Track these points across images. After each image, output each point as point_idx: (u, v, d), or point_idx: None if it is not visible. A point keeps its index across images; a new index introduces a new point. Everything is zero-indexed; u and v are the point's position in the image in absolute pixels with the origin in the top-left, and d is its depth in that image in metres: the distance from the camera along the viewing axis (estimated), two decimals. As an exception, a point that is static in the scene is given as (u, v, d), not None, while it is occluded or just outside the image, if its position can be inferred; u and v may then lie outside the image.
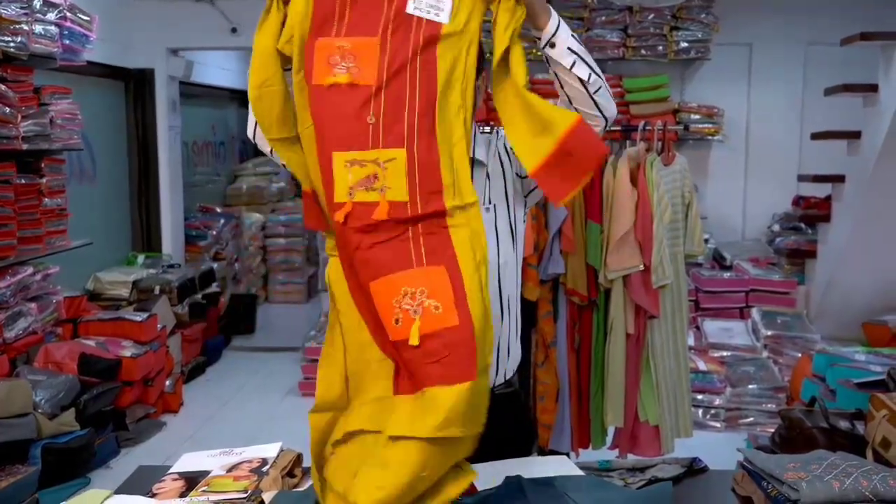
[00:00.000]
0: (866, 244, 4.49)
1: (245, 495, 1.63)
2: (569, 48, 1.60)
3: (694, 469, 1.81)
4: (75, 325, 4.60)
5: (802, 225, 5.38)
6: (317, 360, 5.42)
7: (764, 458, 1.70)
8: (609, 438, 3.37)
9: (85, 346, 4.22)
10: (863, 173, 4.31)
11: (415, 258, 1.30)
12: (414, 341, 1.26)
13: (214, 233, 7.11)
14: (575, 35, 1.64)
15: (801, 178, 5.12)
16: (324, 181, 1.43)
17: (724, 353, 4.68)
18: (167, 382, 4.94)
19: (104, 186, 5.85)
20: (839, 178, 4.61)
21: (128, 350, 4.44)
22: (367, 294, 1.34)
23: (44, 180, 4.31)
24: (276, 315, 7.82)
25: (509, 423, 1.90)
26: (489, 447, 1.81)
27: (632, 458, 1.87)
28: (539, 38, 1.60)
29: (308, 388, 5.32)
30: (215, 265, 6.55)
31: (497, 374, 1.88)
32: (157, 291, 5.38)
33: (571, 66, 1.60)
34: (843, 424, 2.94)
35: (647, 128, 3.38)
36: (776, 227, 5.63)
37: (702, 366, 4.44)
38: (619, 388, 3.24)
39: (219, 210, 7.71)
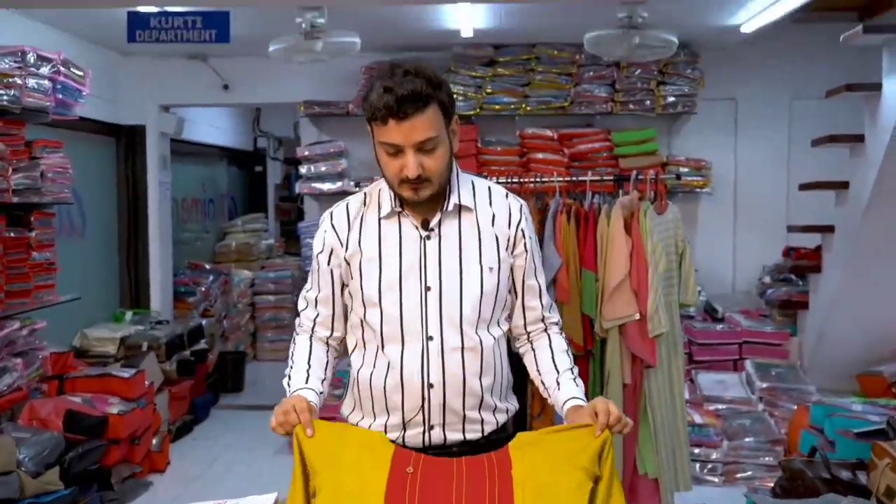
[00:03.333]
0: (858, 294, 4.48)
1: (240, 547, 1.57)
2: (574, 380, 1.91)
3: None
4: (61, 381, 4.51)
5: (793, 276, 5.39)
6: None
7: (773, 503, 1.66)
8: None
9: (71, 403, 4.14)
10: (852, 223, 4.33)
11: None
12: None
13: (203, 289, 7.06)
14: (573, 378, 1.91)
15: (791, 229, 5.14)
16: None
17: (720, 406, 4.63)
18: (154, 441, 4.84)
19: (93, 241, 5.82)
20: (829, 229, 4.63)
21: (114, 407, 4.35)
22: None
23: (33, 234, 4.28)
24: (264, 373, 7.72)
25: None
26: None
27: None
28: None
29: (298, 446, 5.21)
30: (204, 322, 6.48)
31: (484, 424, 1.90)
32: (144, 348, 5.30)
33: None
34: (845, 474, 2.90)
35: (640, 177, 3.40)
36: (767, 279, 5.64)
37: (698, 419, 4.39)
38: (617, 440, 3.18)
39: (208, 267, 7.67)
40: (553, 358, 1.96)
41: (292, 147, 8.17)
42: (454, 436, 1.87)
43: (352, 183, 5.50)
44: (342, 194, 5.57)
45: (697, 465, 4.27)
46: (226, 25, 4.09)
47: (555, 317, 2.03)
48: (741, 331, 5.14)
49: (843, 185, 4.41)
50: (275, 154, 10.09)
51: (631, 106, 5.59)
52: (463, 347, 1.85)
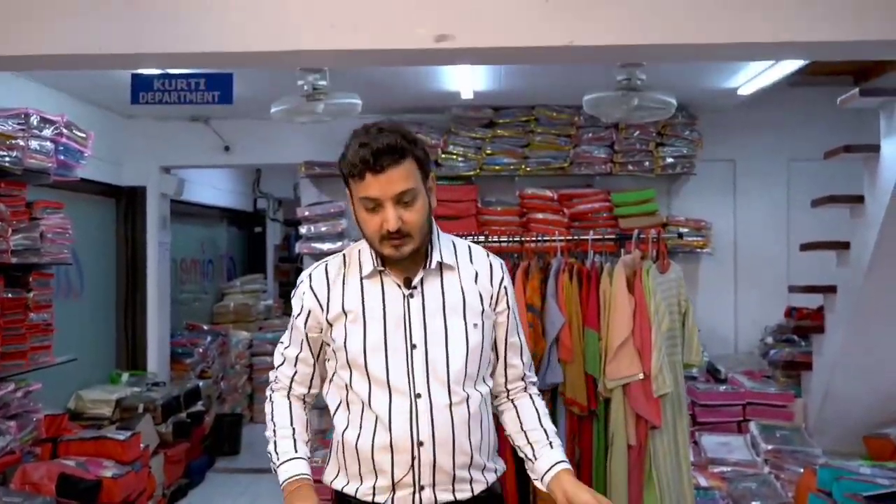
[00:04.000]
0: (861, 354, 4.44)
1: None
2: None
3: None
4: (55, 444, 4.43)
5: (795, 337, 5.35)
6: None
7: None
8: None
9: (64, 467, 4.05)
10: (854, 284, 4.31)
11: None
12: None
13: (201, 350, 7.00)
14: (560, 444, 1.98)
15: (792, 290, 5.13)
16: None
17: (725, 469, 4.54)
18: (148, 505, 4.74)
19: (91, 302, 5.79)
20: (831, 289, 4.61)
21: (109, 470, 4.26)
22: None
23: (31, 294, 4.25)
24: (261, 435, 7.49)
25: None
26: None
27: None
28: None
29: (295, 511, 5.10)
30: (201, 383, 6.41)
31: (474, 483, 1.88)
32: (140, 410, 5.23)
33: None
34: (857, 539, 2.83)
35: (642, 236, 3.40)
36: (769, 340, 5.59)
37: (703, 481, 4.31)
38: (622, 502, 3.12)
39: (206, 328, 7.63)
40: (540, 419, 1.98)
41: (292, 208, 8.20)
42: (444, 496, 1.84)
43: (352, 243, 5.49)
44: (342, 254, 5.61)
45: (704, 532, 4.17)
46: (229, 87, 4.13)
47: (533, 376, 2.06)
48: (745, 392, 5.08)
49: (844, 246, 4.40)
50: (274, 215, 10.13)
51: (630, 167, 5.63)
52: (451, 404, 1.83)
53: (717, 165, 5.93)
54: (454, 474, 1.84)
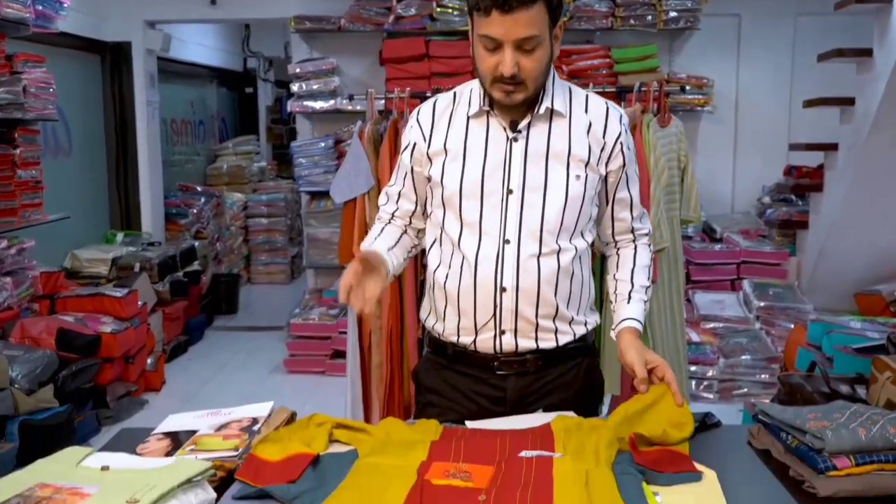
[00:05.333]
0: (859, 213, 4.43)
1: (236, 454, 1.53)
2: (644, 301, 1.91)
3: (707, 424, 1.73)
4: (52, 301, 4.46)
5: (793, 196, 5.32)
6: (303, 337, 5.29)
7: (780, 410, 1.62)
8: (605, 407, 3.29)
9: (63, 322, 4.09)
10: (856, 141, 4.24)
11: None
12: None
13: (195, 211, 6.98)
14: (644, 298, 1.90)
15: (793, 147, 5.05)
16: None
17: (717, 325, 4.62)
18: (149, 360, 4.83)
19: (80, 161, 5.71)
20: (832, 147, 4.54)
21: (107, 326, 4.31)
22: None
23: (17, 151, 4.17)
24: (258, 296, 7.71)
25: (581, 375, 1.90)
26: (564, 396, 1.86)
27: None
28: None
29: (294, 366, 5.22)
30: (196, 244, 6.41)
31: (559, 335, 1.85)
32: (136, 269, 5.25)
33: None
34: (844, 389, 2.88)
35: (643, 89, 3.30)
36: (766, 199, 5.57)
37: (694, 337, 4.38)
38: (616, 355, 3.16)
39: (199, 189, 7.57)
40: (633, 270, 1.92)
41: (283, 69, 7.98)
42: (526, 344, 1.82)
43: (345, 101, 5.36)
44: (335, 113, 5.48)
45: (693, 383, 4.28)
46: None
47: (645, 227, 1.97)
48: (739, 251, 5.10)
49: (849, 102, 4.30)
50: (265, 75, 9.88)
51: (632, 21, 5.41)
52: (540, 254, 1.78)
53: (721, 21, 5.71)
54: (537, 323, 1.81)
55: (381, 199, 2.01)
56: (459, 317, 1.84)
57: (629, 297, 1.88)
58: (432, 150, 1.84)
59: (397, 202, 1.96)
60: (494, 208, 1.78)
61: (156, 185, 6.32)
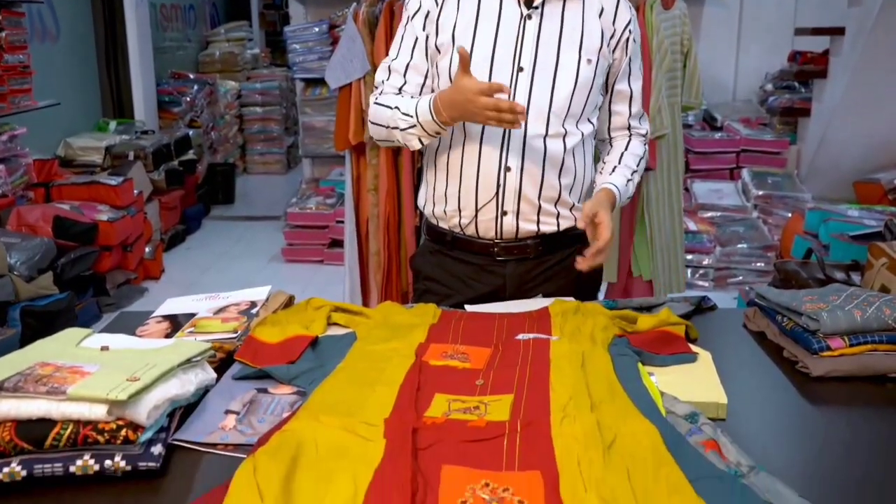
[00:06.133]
0: (863, 100, 4.36)
1: (235, 336, 1.54)
2: (627, 180, 1.83)
3: (703, 307, 1.75)
4: (47, 189, 4.43)
5: (796, 83, 5.23)
6: (301, 226, 5.30)
7: (777, 293, 1.63)
8: (601, 294, 3.31)
9: (59, 210, 4.07)
10: (864, 25, 4.14)
11: (506, 462, 1.12)
12: None
13: (188, 99, 6.86)
14: (628, 176, 1.83)
15: (799, 32, 4.93)
16: (405, 402, 1.26)
17: (714, 214, 4.62)
18: (147, 249, 4.84)
19: (69, 46, 5.56)
20: (839, 31, 4.43)
21: (104, 214, 4.30)
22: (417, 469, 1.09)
23: (3, 34, 4.05)
24: (254, 186, 7.67)
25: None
26: (563, 282, 1.86)
27: (637, 299, 1.79)
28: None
29: (292, 255, 5.24)
30: (191, 132, 6.33)
31: (560, 219, 1.83)
32: (131, 157, 5.19)
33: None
34: (840, 275, 2.89)
35: (647, -33, 3.17)
36: (769, 86, 5.48)
37: (691, 226, 4.39)
38: (612, 243, 3.17)
39: (192, 76, 7.42)
40: (623, 154, 1.87)
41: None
42: (527, 227, 1.81)
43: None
44: (329, -6, 5.31)
45: (689, 271, 4.31)
46: None
47: (643, 128, 1.92)
48: (740, 139, 5.05)
49: (860, -17, 4.18)
50: (256, -43, 9.56)
51: None
52: (546, 135, 1.75)
53: None
54: (539, 206, 1.79)
55: (381, 74, 1.87)
56: (460, 197, 1.82)
57: (613, 170, 1.84)
58: (443, 20, 1.77)
59: (405, 75, 1.85)
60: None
61: (147, 71, 6.19)
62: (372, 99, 1.88)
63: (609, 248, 1.68)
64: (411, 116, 1.74)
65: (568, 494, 1.00)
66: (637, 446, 1.10)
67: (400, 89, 1.85)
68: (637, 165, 1.87)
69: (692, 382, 1.37)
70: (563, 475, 1.05)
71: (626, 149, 1.88)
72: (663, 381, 1.37)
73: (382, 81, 1.87)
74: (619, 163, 1.85)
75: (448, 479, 1.05)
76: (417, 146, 1.79)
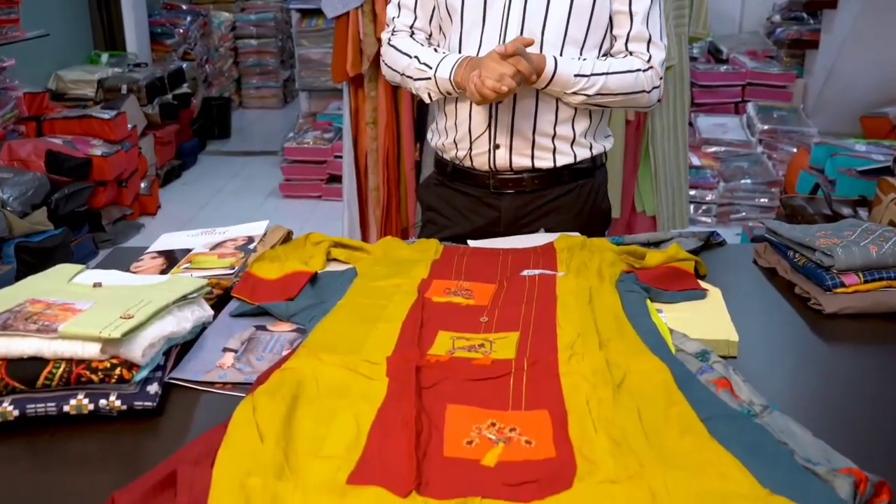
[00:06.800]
0: (873, 30, 4.26)
1: (232, 272, 1.50)
2: (575, 75, 1.65)
3: (712, 243, 1.70)
4: (39, 123, 4.35)
5: (805, 14, 5.10)
6: (298, 161, 5.23)
7: (788, 228, 1.58)
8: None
9: (51, 144, 4.00)
10: (878, -48, 4.02)
11: (513, 401, 1.07)
12: (489, 463, 0.95)
13: (181, 31, 6.70)
14: (584, 69, 1.65)
15: (810, -40, 4.81)
16: (408, 340, 1.20)
17: (718, 149, 4.55)
18: (142, 184, 4.77)
19: (57, -25, 5.40)
20: (851, -41, 4.31)
21: (97, 149, 4.22)
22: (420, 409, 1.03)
23: (-13, -39, 3.93)
24: (251, 120, 7.56)
25: (583, 199, 1.83)
26: (563, 218, 1.80)
27: (644, 234, 1.75)
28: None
29: (290, 191, 5.18)
30: (184, 65, 6.19)
31: (557, 154, 1.76)
32: (124, 90, 5.09)
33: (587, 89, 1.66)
34: (846, 211, 2.86)
35: None
36: (777, 18, 5.35)
37: (695, 161, 4.32)
38: (616, 178, 3.12)
39: (184, 7, 7.24)
40: (606, 57, 1.72)
41: None
42: (521, 161, 1.76)
43: None
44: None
45: (692, 207, 4.26)
46: None
47: (646, 54, 1.73)
48: (745, 72, 4.95)
49: None
50: None
51: None
52: None
53: None
54: (533, 140, 1.74)
55: (392, 10, 1.84)
56: (457, 129, 1.78)
57: (577, 58, 1.69)
58: None
59: (415, 10, 1.80)
60: (496, 14, 1.68)
61: (139, 1, 6.03)
62: (385, 37, 1.84)
63: (493, 90, 1.55)
64: (430, 68, 1.71)
65: (577, 434, 0.98)
66: (647, 385, 1.07)
67: (411, 27, 1.81)
68: (609, 70, 1.68)
69: (702, 320, 1.33)
70: (572, 415, 1.02)
71: (606, 56, 1.74)
72: (672, 318, 1.33)
73: (393, 18, 1.83)
74: (589, 58, 1.70)
75: (453, 418, 1.02)
76: (427, 100, 1.77)
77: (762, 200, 4.25)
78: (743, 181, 4.29)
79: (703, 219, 4.28)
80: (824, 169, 3.56)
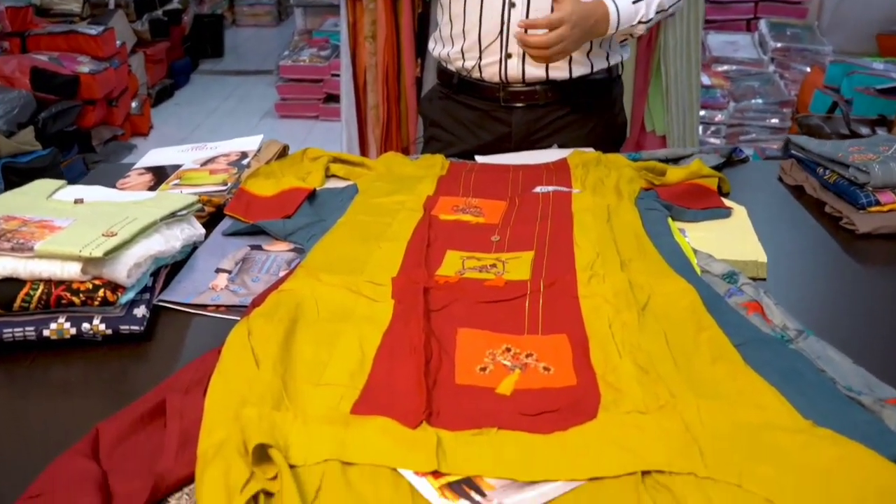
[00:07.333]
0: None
1: (225, 188, 1.40)
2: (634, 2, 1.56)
3: (734, 159, 1.61)
4: (23, 39, 4.18)
5: (822, -75, 4.89)
6: (294, 80, 5.07)
7: (818, 143, 1.48)
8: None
9: (37, 61, 3.85)
10: None
11: (529, 325, 0.98)
12: (505, 391, 0.86)
13: (170, -56, 6.44)
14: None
15: None
16: (414, 260, 1.11)
17: (729, 68, 4.39)
18: (133, 104, 4.63)
19: None
20: None
21: (85, 66, 4.07)
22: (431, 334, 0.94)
23: None
24: (244, 38, 7.35)
25: (599, 113, 1.75)
26: (577, 134, 1.71)
27: (662, 150, 1.65)
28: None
29: (286, 110, 5.04)
30: (174, -20, 5.97)
31: (573, 64, 1.65)
32: (111, 5, 4.91)
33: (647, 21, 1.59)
34: (865, 130, 2.75)
35: None
36: (792, -71, 5.12)
37: (705, 80, 4.17)
38: (627, 95, 2.99)
39: (174, -82, 6.95)
40: None
41: None
42: (535, 71, 1.64)
43: None
44: None
45: (701, 128, 4.13)
46: None
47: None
48: (758, -13, 4.75)
49: None
50: None
51: None
52: None
53: None
54: None
55: None
56: (465, 37, 1.66)
57: None
58: None
59: None
60: None
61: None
62: None
63: (556, 44, 1.50)
64: None
65: (599, 361, 0.90)
66: (674, 307, 0.99)
67: None
68: (647, 8, 1.59)
69: (728, 239, 1.25)
70: (593, 340, 0.94)
71: None
72: (696, 237, 1.25)
73: None
74: None
75: (465, 343, 0.95)
76: None
77: (773, 121, 4.12)
78: (754, 101, 4.15)
79: (712, 140, 4.16)
80: (840, 88, 3.44)
